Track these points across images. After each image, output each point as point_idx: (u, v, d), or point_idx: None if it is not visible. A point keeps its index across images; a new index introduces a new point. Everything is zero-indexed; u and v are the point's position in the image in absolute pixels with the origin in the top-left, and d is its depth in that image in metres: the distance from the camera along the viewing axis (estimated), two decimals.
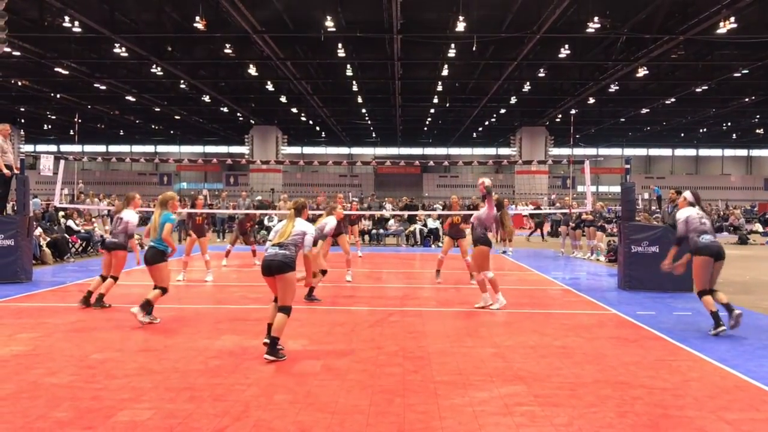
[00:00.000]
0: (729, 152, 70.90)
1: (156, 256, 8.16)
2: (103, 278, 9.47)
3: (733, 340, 7.52)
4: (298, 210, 7.00)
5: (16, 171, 12.74)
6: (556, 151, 56.77)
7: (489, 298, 9.49)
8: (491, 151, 71.11)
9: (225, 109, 47.36)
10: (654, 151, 71.62)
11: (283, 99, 42.84)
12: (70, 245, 16.54)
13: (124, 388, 5.40)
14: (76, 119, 45.35)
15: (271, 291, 6.76)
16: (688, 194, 8.60)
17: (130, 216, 9.52)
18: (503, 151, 66.86)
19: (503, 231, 9.90)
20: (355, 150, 72.02)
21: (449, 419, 4.75)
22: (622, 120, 50.40)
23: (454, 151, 71.35)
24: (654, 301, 10.29)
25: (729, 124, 54.03)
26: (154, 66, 32.35)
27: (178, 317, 8.67)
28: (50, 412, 4.79)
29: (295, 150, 68.81)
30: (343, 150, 71.95)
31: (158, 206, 8.49)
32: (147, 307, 8.05)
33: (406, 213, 24.69)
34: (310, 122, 55.22)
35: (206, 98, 42.17)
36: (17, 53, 28.56)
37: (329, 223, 9.97)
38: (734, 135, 61.50)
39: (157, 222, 8.23)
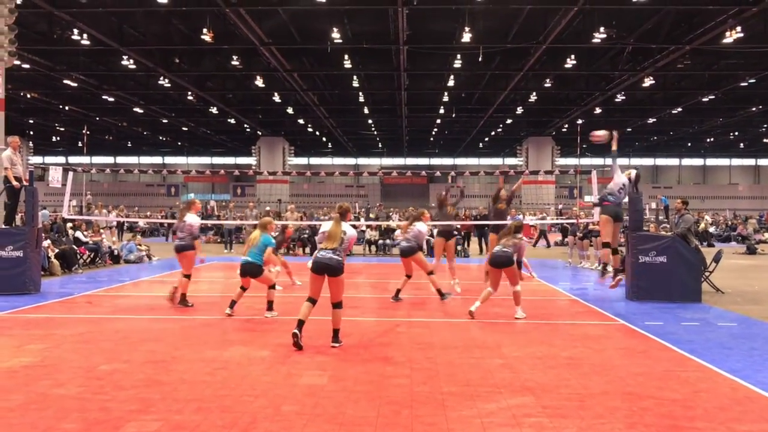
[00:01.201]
0: (736, 162, 70.70)
1: (255, 270, 9.43)
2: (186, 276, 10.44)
3: (744, 351, 7.47)
4: (342, 214, 7.81)
5: (25, 183, 12.82)
6: (562, 161, 56.78)
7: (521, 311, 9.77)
8: (498, 161, 71.10)
9: (232, 121, 47.58)
10: (661, 161, 71.51)
11: (289, 110, 43.03)
12: (78, 256, 16.60)
13: (131, 400, 5.41)
14: (84, 131, 45.69)
15: (311, 290, 7.58)
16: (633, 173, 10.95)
17: (193, 219, 10.51)
18: (510, 161, 66.84)
19: None
20: (362, 160, 72.18)
21: (457, 431, 4.74)
22: (629, 130, 50.33)
23: (460, 161, 71.40)
24: (662, 312, 10.24)
25: (736, 133, 53.90)
26: (161, 78, 32.56)
27: (185, 327, 8.68)
28: (58, 424, 4.80)
29: (302, 161, 69.04)
30: (350, 160, 72.10)
31: (259, 228, 9.72)
32: (269, 305, 9.51)
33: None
34: (317, 133, 55.41)
35: (213, 110, 42.38)
36: (27, 66, 28.84)
37: (422, 229, 11.06)
38: (742, 144, 61.34)
39: (257, 241, 9.43)
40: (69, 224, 19.74)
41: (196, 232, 10.57)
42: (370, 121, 49.33)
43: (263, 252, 9.41)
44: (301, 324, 7.35)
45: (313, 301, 7.53)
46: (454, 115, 45.40)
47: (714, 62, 30.47)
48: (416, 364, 6.73)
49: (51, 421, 4.85)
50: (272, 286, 9.62)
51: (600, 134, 10.99)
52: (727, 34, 23.06)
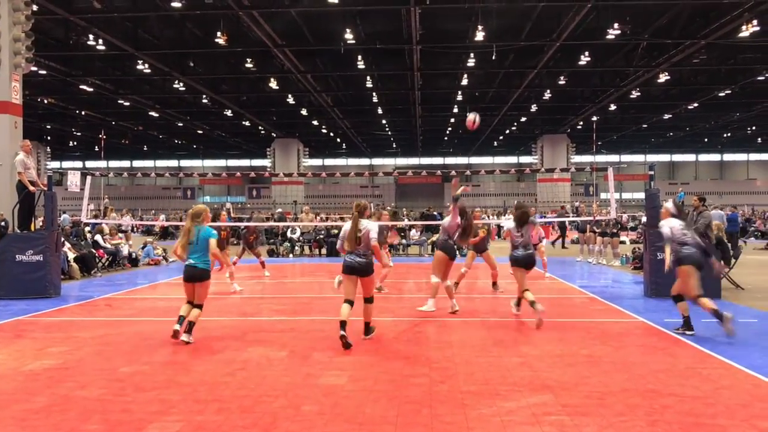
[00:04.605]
0: (754, 156, 70.01)
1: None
2: None
3: (765, 347, 7.40)
4: (360, 212, 7.76)
5: (42, 186, 12.96)
6: (578, 158, 56.48)
7: (456, 304, 9.95)
8: (513, 159, 70.93)
9: (247, 123, 47.79)
10: (677, 157, 70.97)
11: (304, 112, 43.15)
12: (97, 260, 16.74)
13: (153, 401, 5.45)
14: (101, 135, 46.07)
15: (345, 291, 7.65)
16: (670, 205, 8.99)
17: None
18: (525, 159, 66.70)
19: (465, 239, 10.09)
20: (376, 161, 72.24)
21: (477, 429, 4.73)
22: (645, 126, 50.05)
23: (475, 160, 71.24)
24: None
25: (754, 128, 53.36)
26: (176, 81, 32.78)
27: (203, 329, 8.72)
28: (81, 425, 4.84)
29: (317, 162, 69.21)
30: (364, 161, 72.18)
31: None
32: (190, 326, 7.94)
33: (422, 223, 24.59)
34: (331, 134, 55.53)
35: (228, 112, 42.59)
36: (43, 72, 29.13)
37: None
38: (759, 139, 60.72)
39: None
40: (87, 228, 19.90)
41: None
42: (384, 122, 49.38)
43: (206, 249, 7.81)
44: (343, 325, 7.37)
45: (350, 302, 7.58)
46: (468, 114, 45.29)
47: (730, 56, 30.18)
48: (435, 363, 6.73)
49: (74, 423, 4.89)
50: (198, 306, 7.90)
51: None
52: (743, 27, 22.85)
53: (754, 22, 22.46)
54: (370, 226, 7.70)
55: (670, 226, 8.56)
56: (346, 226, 7.81)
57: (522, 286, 9.14)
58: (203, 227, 7.92)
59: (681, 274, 8.30)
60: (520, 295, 9.32)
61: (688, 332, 8.17)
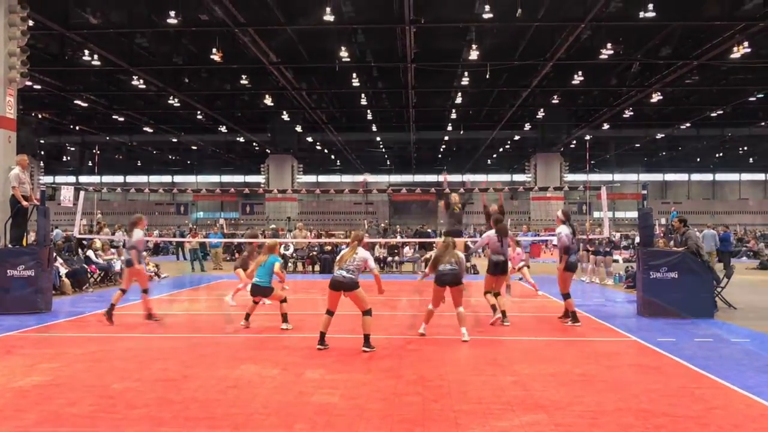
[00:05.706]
0: (746, 176, 70.36)
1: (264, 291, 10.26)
2: None
3: (758, 368, 7.40)
4: (358, 241, 8.68)
5: (35, 202, 12.90)
6: (571, 176, 56.67)
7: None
8: (506, 177, 71.08)
9: (241, 139, 47.85)
10: (670, 176, 71.28)
11: (298, 128, 43.23)
12: (89, 275, 16.64)
13: (144, 419, 5.40)
14: (94, 150, 46.00)
15: (329, 304, 8.47)
16: (560, 213, 10.60)
17: (138, 235, 10.96)
18: (518, 177, 66.87)
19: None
20: (370, 178, 72.30)
21: None
22: (637, 145, 50.32)
23: (468, 177, 71.37)
24: (674, 328, 10.16)
25: (745, 148, 53.75)
26: (171, 97, 32.83)
27: (196, 346, 8.67)
28: None
29: (311, 178, 69.20)
30: (358, 178, 72.23)
31: (266, 251, 10.50)
32: (284, 317, 10.15)
33: (415, 240, 24.54)
34: (325, 151, 55.63)
35: (223, 128, 42.63)
36: (38, 87, 29.14)
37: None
38: (751, 159, 61.13)
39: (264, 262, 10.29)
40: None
41: (140, 247, 10.89)
42: (378, 139, 49.54)
43: (270, 272, 10.16)
44: (323, 335, 8.37)
45: (330, 313, 8.43)
46: (462, 132, 45.52)
47: (722, 77, 30.47)
48: (428, 381, 6.70)
49: None
50: (283, 300, 10.22)
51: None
52: (735, 49, 23.09)
53: (745, 43, 22.71)
54: (366, 256, 8.54)
55: (566, 234, 10.15)
56: (344, 251, 8.73)
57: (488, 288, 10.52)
58: (273, 255, 10.34)
59: (566, 276, 10.30)
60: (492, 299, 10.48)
61: (576, 324, 10.16)
